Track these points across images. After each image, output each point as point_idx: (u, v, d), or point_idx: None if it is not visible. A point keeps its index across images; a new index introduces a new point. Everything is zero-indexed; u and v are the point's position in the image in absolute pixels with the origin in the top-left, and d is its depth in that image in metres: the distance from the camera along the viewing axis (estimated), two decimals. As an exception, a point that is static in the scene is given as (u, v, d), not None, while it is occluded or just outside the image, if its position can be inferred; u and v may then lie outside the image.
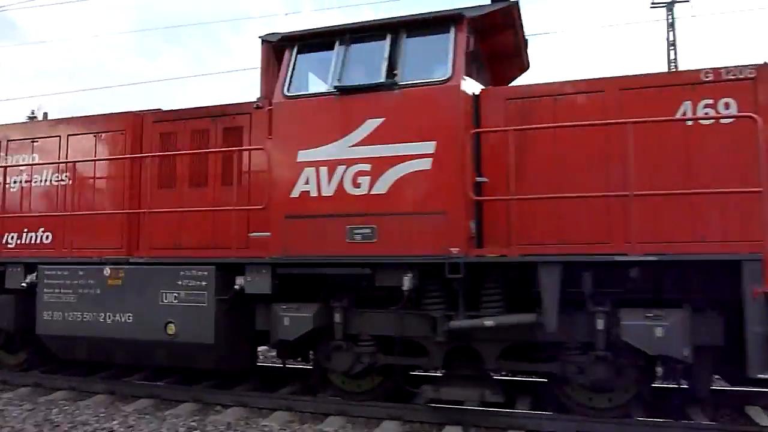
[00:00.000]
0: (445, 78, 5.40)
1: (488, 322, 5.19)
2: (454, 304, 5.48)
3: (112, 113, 7.43)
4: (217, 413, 5.95)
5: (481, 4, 5.70)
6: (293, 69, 5.99)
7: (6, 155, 7.80)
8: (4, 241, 7.57)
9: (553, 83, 5.73)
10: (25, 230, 7.47)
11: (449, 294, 5.49)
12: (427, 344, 5.68)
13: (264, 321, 6.09)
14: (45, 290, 6.61)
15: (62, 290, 6.53)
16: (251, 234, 6.12)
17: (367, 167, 5.50)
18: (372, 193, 5.47)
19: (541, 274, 4.98)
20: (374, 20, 5.93)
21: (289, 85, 5.92)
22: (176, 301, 6.04)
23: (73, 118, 7.77)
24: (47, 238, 7.37)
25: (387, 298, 5.77)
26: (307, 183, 5.68)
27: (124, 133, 7.17)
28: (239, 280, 5.92)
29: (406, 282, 5.35)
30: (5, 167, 7.66)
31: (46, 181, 7.51)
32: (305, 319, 5.65)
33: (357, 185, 5.53)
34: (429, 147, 5.35)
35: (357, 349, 5.79)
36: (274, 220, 5.81)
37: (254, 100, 6.64)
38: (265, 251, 5.92)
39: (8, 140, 7.82)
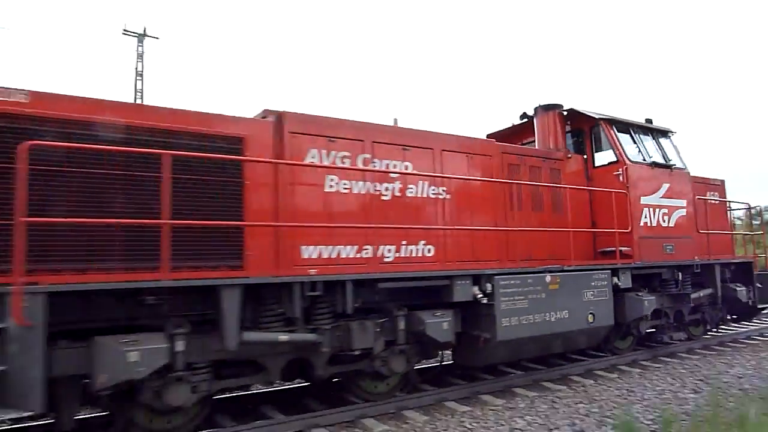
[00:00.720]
0: (685, 168, 10.29)
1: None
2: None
3: (482, 139, 8.15)
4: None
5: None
6: (621, 142, 9.25)
7: (372, 158, 7.05)
8: (378, 254, 6.95)
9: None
10: (404, 243, 7.16)
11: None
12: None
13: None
14: (502, 299, 7.10)
15: (516, 297, 7.24)
16: (620, 248, 8.76)
17: (666, 211, 9.63)
18: (669, 225, 9.55)
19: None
20: (644, 124, 10.14)
21: (627, 153, 9.19)
22: (592, 296, 8.10)
23: (443, 134, 7.82)
24: (429, 251, 7.37)
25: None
26: (645, 217, 9.19)
27: (491, 158, 8.15)
28: (614, 279, 8.57)
29: (680, 275, 9.61)
30: (383, 172, 7.05)
31: (422, 192, 7.39)
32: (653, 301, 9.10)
33: (663, 220, 9.43)
34: (684, 203, 9.97)
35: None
36: (635, 240, 8.92)
37: (560, 150, 9.30)
38: (615, 260, 8.77)
39: (374, 141, 7.09)
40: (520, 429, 6.23)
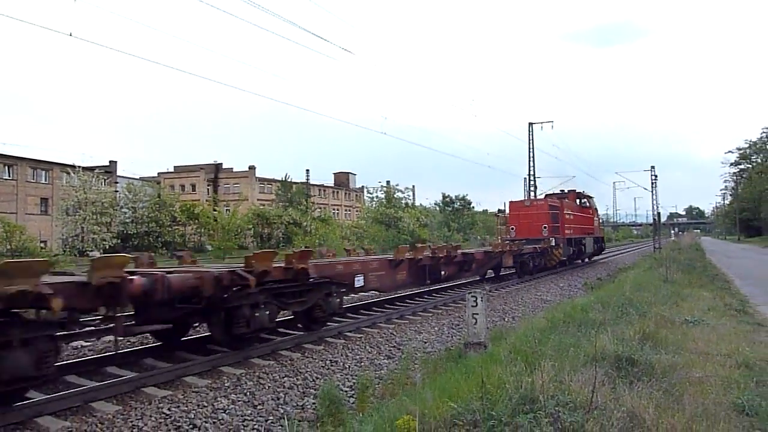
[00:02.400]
0: (597, 209, 34.35)
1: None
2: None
3: (582, 206, 30.28)
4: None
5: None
6: (589, 201, 31.47)
7: (564, 211, 25.51)
8: (567, 232, 25.53)
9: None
10: (567, 230, 25.45)
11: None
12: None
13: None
14: (587, 243, 29.62)
15: (587, 243, 28.90)
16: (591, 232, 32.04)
17: (596, 221, 32.44)
18: (596, 226, 32.11)
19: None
20: (591, 195, 32.40)
21: (592, 206, 32.52)
22: (592, 244, 30.65)
23: (575, 204, 28.66)
24: (571, 232, 26.15)
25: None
26: (594, 224, 31.45)
27: (580, 206, 29.70)
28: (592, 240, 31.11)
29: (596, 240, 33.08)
30: (567, 213, 25.99)
31: (571, 217, 26.14)
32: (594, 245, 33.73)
33: (596, 224, 31.94)
34: (597, 220, 33.81)
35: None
36: (594, 230, 31.31)
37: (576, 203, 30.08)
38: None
39: (568, 206, 26.70)
40: (223, 409, 6.07)
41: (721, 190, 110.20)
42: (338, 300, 9.73)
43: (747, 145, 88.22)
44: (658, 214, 57.07)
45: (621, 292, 12.54)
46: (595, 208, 32.70)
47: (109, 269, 5.66)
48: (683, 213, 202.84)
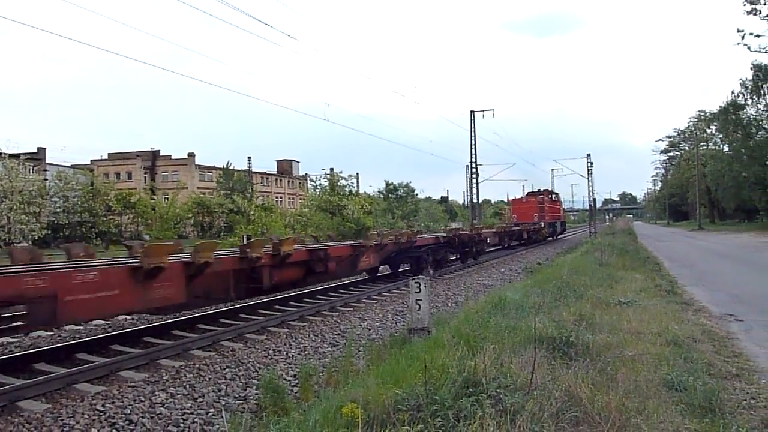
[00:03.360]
0: (561, 201, 52.59)
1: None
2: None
3: (555, 201, 49.06)
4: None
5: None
6: (557, 197, 51.46)
7: (545, 204, 42.36)
8: (547, 219, 42.22)
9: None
10: (546, 217, 41.70)
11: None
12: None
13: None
14: (559, 226, 49.79)
15: (557, 225, 46.95)
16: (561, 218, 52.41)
17: (562, 210, 52.58)
18: (561, 213, 50.54)
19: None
20: (551, 192, 48.62)
21: (559, 200, 53.31)
22: (558, 226, 47.83)
23: (550, 199, 45.76)
24: (544, 218, 40.70)
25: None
26: (560, 213, 49.71)
27: (552, 200, 46.46)
28: (560, 223, 49.46)
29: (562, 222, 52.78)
30: (543, 203, 42.05)
31: (548, 205, 43.00)
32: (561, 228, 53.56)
33: (562, 212, 51.58)
34: (562, 208, 51.94)
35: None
36: (561, 216, 50.34)
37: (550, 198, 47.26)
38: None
39: (547, 199, 43.91)
40: (161, 403, 5.88)
41: (652, 176, 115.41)
42: (484, 248, 22.93)
43: (676, 134, 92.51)
44: (594, 200, 59.36)
45: (559, 275, 12.90)
46: (561, 201, 51.14)
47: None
48: (617, 199, 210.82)
